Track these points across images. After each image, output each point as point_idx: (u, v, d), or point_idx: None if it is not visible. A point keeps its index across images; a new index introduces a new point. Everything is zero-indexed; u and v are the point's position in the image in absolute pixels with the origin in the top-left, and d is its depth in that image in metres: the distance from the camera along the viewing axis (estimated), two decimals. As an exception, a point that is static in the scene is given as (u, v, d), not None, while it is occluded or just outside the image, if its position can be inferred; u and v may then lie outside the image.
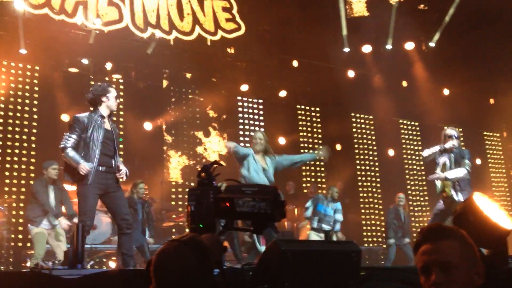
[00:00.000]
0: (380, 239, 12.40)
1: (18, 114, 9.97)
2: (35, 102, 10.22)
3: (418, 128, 14.26)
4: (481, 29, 11.67)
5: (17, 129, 9.99)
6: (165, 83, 11.74)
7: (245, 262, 4.94)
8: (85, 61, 10.40)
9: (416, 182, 13.77)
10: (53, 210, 7.52)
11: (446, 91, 13.53)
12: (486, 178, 14.16)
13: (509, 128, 15.05)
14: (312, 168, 12.69)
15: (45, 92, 10.27)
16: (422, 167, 13.91)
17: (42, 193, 7.48)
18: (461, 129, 14.67)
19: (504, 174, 14.98)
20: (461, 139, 14.58)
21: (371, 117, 13.63)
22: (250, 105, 12.53)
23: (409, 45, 12.25)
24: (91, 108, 5.60)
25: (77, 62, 10.42)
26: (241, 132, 12.22)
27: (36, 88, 10.26)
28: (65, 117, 10.35)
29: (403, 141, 13.99)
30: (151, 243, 8.52)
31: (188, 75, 11.87)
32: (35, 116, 10.14)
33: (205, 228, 2.30)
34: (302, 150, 12.73)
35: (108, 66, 10.70)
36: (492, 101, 14.14)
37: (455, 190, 6.69)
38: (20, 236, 9.26)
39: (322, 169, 12.74)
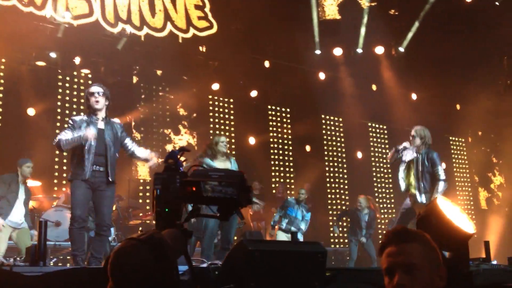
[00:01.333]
0: (346, 241, 12.53)
1: (-18, 107, 9.72)
2: (0, 95, 9.97)
3: (386, 132, 14.47)
4: (450, 36, 11.93)
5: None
6: (135, 79, 11.59)
7: (211, 261, 4.93)
8: (53, 54, 10.19)
9: (383, 185, 13.98)
10: (18, 207, 7.36)
11: (414, 96, 13.78)
12: (450, 182, 14.41)
13: (474, 134, 15.42)
14: (281, 168, 12.74)
15: (11, 86, 10.03)
16: (389, 170, 14.13)
17: (10, 189, 7.33)
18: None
19: (468, 178, 15.34)
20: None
21: (340, 119, 13.77)
22: (221, 104, 12.50)
23: (379, 49, 12.44)
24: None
25: (45, 55, 10.20)
26: (211, 131, 12.17)
27: (1, 81, 10.01)
28: (31, 111, 10.14)
29: (371, 143, 14.18)
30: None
31: (159, 72, 11.75)
32: (0, 110, 9.90)
33: (171, 213, 2.28)
34: (272, 151, 12.79)
35: (77, 60, 10.51)
36: (458, 106, 14.47)
37: (419, 192, 6.75)
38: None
39: (292, 170, 12.81)
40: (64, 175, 10.16)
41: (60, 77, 10.58)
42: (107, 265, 1.90)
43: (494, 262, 6.54)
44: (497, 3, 11.62)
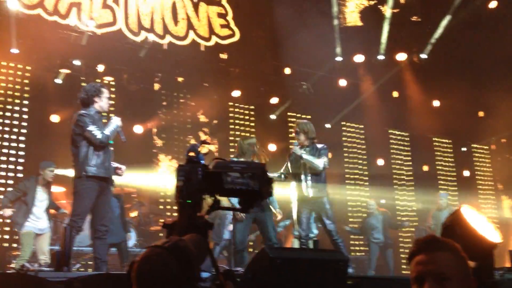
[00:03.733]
0: (367, 248, 12.43)
1: (8, 114, 9.92)
2: (26, 102, 10.17)
3: (407, 139, 14.35)
4: (473, 42, 11.80)
5: (6, 128, 9.93)
6: (156, 86, 11.71)
7: (233, 268, 4.94)
8: (77, 62, 10.35)
9: (405, 192, 13.84)
10: (39, 212, 7.46)
11: (436, 103, 13.64)
12: (473, 190, 14.27)
13: (497, 141, 15.19)
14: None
15: (36, 93, 10.22)
16: (411, 177, 14.00)
17: (31, 192, 7.43)
18: (450, 141, 14.87)
19: (491, 186, 15.10)
20: (450, 151, 14.83)
21: (361, 126, 13.70)
22: (242, 111, 12.55)
23: (401, 56, 12.34)
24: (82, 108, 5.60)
25: (69, 63, 10.37)
26: (231, 138, 12.22)
27: (27, 88, 10.21)
28: (55, 118, 10.31)
29: (393, 151, 14.07)
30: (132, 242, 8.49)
31: (180, 79, 11.85)
32: (25, 116, 10.10)
33: (193, 205, 2.30)
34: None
35: (100, 68, 10.66)
36: (481, 113, 14.27)
37: (306, 186, 6.59)
38: (6, 237, 9.18)
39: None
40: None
41: (83, 84, 10.72)
42: (131, 271, 1.92)
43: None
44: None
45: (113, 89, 10.91)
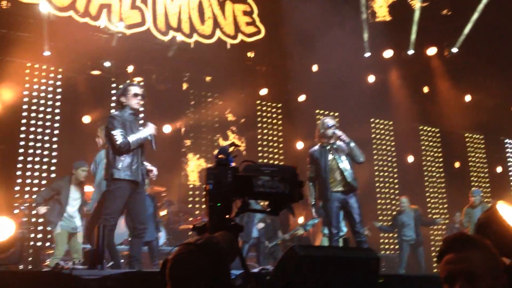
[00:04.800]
0: (397, 247, 12.29)
1: (41, 115, 10.13)
2: (58, 103, 10.37)
3: (438, 135, 14.12)
4: (505, 35, 11.52)
5: (39, 130, 10.15)
6: (185, 86, 11.81)
7: (262, 267, 4.94)
8: (107, 63, 10.51)
9: (436, 190, 13.63)
10: (72, 211, 7.59)
11: (468, 98, 13.37)
12: (507, 186, 13.95)
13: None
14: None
15: (68, 94, 10.41)
16: (442, 174, 13.78)
17: (64, 192, 7.57)
18: (482, 136, 14.57)
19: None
20: (482, 146, 14.53)
21: (391, 122, 13.54)
22: (269, 109, 12.54)
23: (431, 51, 12.13)
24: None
25: (99, 64, 10.53)
26: (259, 136, 12.23)
27: (59, 90, 10.40)
28: (86, 119, 10.49)
29: (423, 147, 13.86)
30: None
31: (208, 79, 11.92)
32: (58, 118, 10.29)
33: (223, 208, 2.31)
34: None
35: (130, 68, 10.80)
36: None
37: (340, 181, 6.40)
38: (40, 236, 9.39)
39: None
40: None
41: (114, 85, 10.90)
42: (164, 269, 1.94)
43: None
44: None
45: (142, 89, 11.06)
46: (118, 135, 5.17)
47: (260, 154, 12.10)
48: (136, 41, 10.32)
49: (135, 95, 5.45)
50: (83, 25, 9.70)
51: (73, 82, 10.43)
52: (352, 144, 6.44)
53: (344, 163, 6.41)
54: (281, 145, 12.34)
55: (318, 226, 10.45)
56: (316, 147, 6.59)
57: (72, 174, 7.73)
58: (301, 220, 10.23)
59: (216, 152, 2.44)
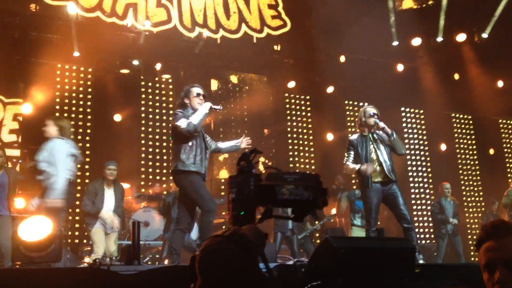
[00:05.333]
0: (433, 236, 12.13)
1: (73, 115, 10.30)
2: (89, 103, 10.53)
3: (471, 122, 13.84)
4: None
5: (72, 130, 10.31)
6: (213, 82, 11.86)
7: (297, 259, 4.95)
8: (135, 62, 10.63)
9: (470, 177, 13.39)
10: (106, 212, 7.68)
11: (500, 83, 13.06)
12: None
13: None
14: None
15: (98, 94, 10.57)
16: (476, 162, 13.52)
17: (100, 193, 7.69)
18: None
19: None
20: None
21: (421, 111, 13.33)
22: (298, 101, 12.50)
23: (461, 37, 11.87)
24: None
25: (128, 63, 10.66)
26: (289, 129, 12.21)
27: (90, 90, 10.56)
28: (117, 117, 10.65)
29: (456, 135, 13.62)
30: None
31: (235, 73, 11.94)
32: (89, 117, 10.45)
33: (246, 216, 2.30)
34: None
35: (158, 66, 10.91)
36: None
37: (381, 171, 6.30)
38: (77, 233, 9.59)
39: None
40: (150, 177, 10.57)
41: (143, 83, 11.02)
42: (193, 264, 1.95)
43: None
44: None
45: (170, 87, 11.17)
46: (182, 122, 5.40)
47: (290, 147, 12.08)
48: (163, 39, 10.41)
49: (198, 95, 5.70)
50: (110, 25, 9.84)
51: (103, 82, 10.58)
52: (395, 136, 6.35)
53: (384, 154, 6.31)
54: (311, 137, 12.28)
55: (347, 216, 10.40)
56: (356, 136, 6.52)
57: (104, 174, 7.85)
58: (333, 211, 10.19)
59: (238, 159, 2.41)
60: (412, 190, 12.76)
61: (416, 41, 11.77)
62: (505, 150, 13.94)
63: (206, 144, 5.69)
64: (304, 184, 2.28)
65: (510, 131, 14.22)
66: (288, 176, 2.33)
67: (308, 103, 12.53)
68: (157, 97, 11.09)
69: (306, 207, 2.33)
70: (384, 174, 6.24)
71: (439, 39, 11.65)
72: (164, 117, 10.93)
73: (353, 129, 12.65)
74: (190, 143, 5.47)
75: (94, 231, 7.60)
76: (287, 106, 12.35)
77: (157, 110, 10.97)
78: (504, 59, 12.04)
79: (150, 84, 11.09)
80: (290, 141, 12.19)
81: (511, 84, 12.87)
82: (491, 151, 13.67)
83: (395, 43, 11.56)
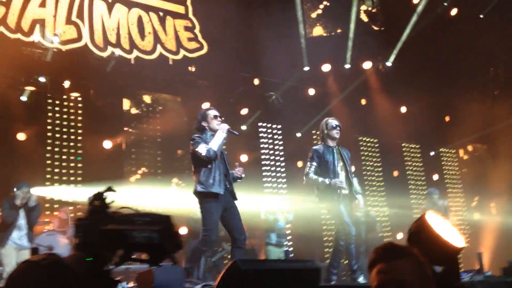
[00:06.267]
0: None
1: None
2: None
3: (377, 145, 14.53)
4: (437, 49, 12.08)
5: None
6: (125, 101, 11.61)
7: (205, 283, 4.91)
8: (42, 79, 10.17)
9: (376, 198, 13.99)
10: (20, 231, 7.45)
11: (403, 109, 13.89)
12: (443, 194, 14.49)
13: (464, 145, 15.52)
14: (274, 184, 12.74)
15: (1, 110, 10.00)
16: (382, 183, 14.17)
17: (10, 212, 7.42)
18: (418, 145, 15.13)
19: (460, 189, 15.40)
20: (419, 155, 15.07)
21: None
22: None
23: (367, 65, 12.55)
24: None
25: (33, 80, 10.18)
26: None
27: (-9, 106, 9.96)
28: (21, 136, 10.10)
29: (363, 157, 14.22)
30: None
31: (148, 93, 11.78)
32: (-10, 135, 9.85)
33: (97, 261, 2.15)
34: (263, 168, 12.80)
35: (66, 84, 10.52)
36: (447, 118, 14.57)
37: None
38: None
39: (284, 185, 12.79)
40: (55, 198, 10.09)
41: (49, 101, 10.57)
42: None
43: (488, 273, 6.56)
44: (481, 16, 11.80)
45: (80, 105, 10.79)
46: (201, 148, 5.51)
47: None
48: (72, 56, 10.07)
49: (215, 117, 5.84)
50: (15, 40, 9.39)
51: (7, 98, 10.03)
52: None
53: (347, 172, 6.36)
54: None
55: (262, 238, 10.50)
56: (321, 146, 6.47)
57: (11, 195, 7.54)
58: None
59: (90, 197, 2.22)
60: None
61: (326, 67, 12.29)
62: (408, 172, 14.75)
63: (227, 164, 5.78)
64: (152, 228, 2.15)
65: (412, 154, 15.08)
66: (138, 219, 2.19)
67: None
68: (65, 116, 10.65)
69: (157, 251, 2.21)
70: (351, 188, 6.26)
71: (347, 66, 12.23)
72: (72, 136, 10.53)
73: (266, 151, 12.90)
74: (209, 166, 5.57)
75: (4, 251, 7.32)
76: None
77: (64, 129, 10.54)
78: (406, 86, 12.83)
79: (57, 102, 10.65)
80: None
81: (413, 110, 13.70)
82: (395, 173, 14.41)
83: (306, 68, 11.97)
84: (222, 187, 5.57)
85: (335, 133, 6.45)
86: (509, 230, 11.99)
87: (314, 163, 6.29)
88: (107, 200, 2.19)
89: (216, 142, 5.61)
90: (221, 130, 5.72)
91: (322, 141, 6.52)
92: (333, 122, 6.55)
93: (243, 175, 5.90)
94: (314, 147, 6.49)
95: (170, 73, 11.30)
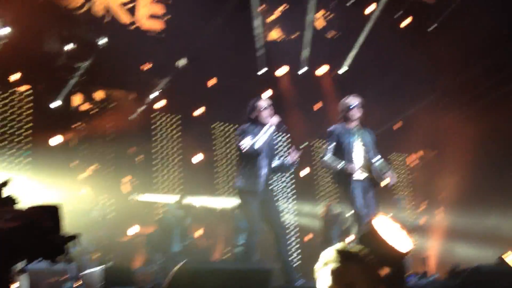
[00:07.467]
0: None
1: None
2: None
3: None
4: (389, 56, 12.37)
5: None
6: (76, 97, 11.32)
7: (156, 283, 4.86)
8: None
9: (327, 199, 14.15)
10: None
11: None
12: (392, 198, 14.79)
13: (415, 151, 15.86)
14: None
15: None
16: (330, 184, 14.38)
17: None
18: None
19: (410, 194, 15.74)
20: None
21: (288, 135, 13.91)
22: (168, 120, 12.42)
23: (322, 70, 12.77)
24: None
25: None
26: (154, 150, 12.06)
27: None
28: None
29: (314, 162, 14.37)
30: None
31: (101, 89, 11.57)
32: None
33: None
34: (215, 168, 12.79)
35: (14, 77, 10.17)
36: (399, 124, 14.87)
37: None
38: None
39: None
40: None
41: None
42: None
43: (435, 276, 6.78)
44: (428, 30, 12.28)
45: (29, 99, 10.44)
46: (245, 142, 5.41)
47: (155, 168, 11.98)
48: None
49: (265, 108, 5.68)
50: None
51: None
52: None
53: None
54: (179, 158, 12.26)
55: (217, 237, 10.48)
56: (337, 126, 6.11)
57: None
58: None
59: None
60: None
61: (281, 71, 12.43)
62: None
63: (272, 155, 5.64)
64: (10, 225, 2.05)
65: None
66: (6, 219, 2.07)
67: (178, 122, 12.49)
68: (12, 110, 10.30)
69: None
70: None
71: (302, 70, 12.39)
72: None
73: (219, 151, 12.88)
74: (252, 160, 5.45)
75: None
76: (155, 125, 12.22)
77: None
78: (360, 91, 13.01)
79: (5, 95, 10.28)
80: (155, 161, 12.01)
81: (366, 115, 13.90)
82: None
83: (262, 71, 12.06)
84: (262, 184, 5.44)
85: (352, 115, 6.07)
86: (456, 235, 12.39)
87: (330, 145, 5.97)
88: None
89: (261, 138, 5.45)
90: (270, 124, 5.56)
91: (344, 120, 6.13)
92: (350, 102, 6.15)
93: (297, 161, 5.69)
94: (329, 128, 6.14)
95: (125, 69, 11.06)
